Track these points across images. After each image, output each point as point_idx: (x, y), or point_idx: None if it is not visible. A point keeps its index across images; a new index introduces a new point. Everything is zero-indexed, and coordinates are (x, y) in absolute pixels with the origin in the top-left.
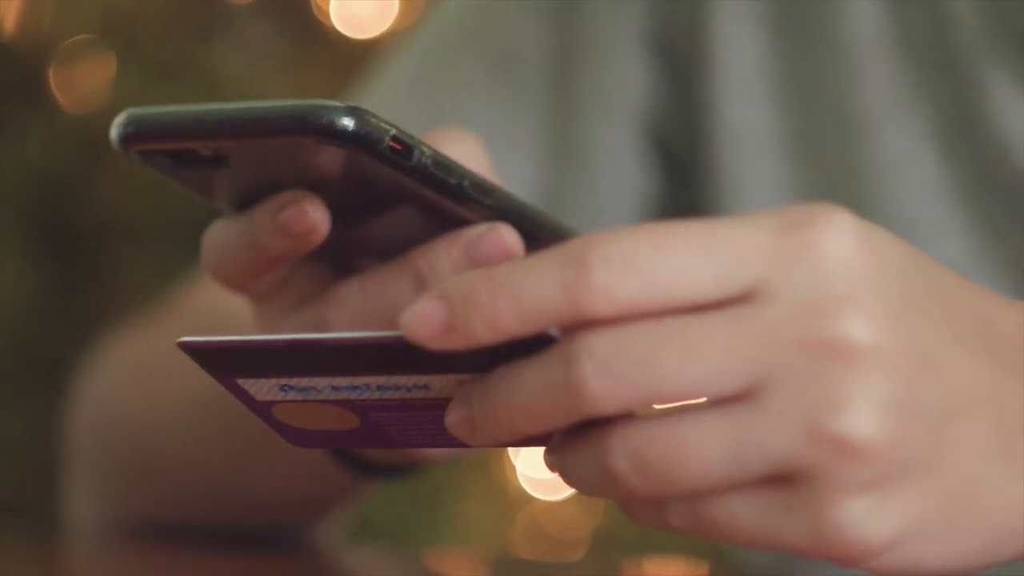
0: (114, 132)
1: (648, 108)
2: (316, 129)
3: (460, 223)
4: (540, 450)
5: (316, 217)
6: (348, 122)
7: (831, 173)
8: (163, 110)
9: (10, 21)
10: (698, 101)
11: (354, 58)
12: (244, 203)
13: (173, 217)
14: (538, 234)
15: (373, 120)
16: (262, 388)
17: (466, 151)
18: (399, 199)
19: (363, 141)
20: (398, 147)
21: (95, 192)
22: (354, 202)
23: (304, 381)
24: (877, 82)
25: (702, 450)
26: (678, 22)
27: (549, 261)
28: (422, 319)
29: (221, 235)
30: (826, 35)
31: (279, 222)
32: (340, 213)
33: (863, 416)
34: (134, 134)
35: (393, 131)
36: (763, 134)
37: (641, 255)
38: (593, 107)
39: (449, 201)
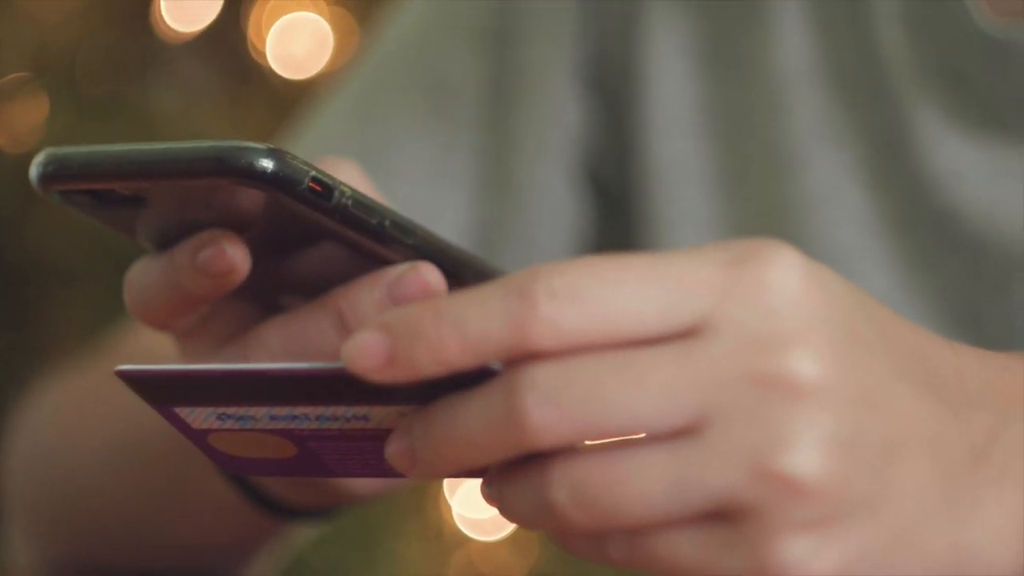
0: (33, 171)
1: (581, 142)
2: (235, 171)
3: (382, 262)
4: (476, 490)
5: (235, 257)
6: (267, 163)
7: (761, 206)
8: (82, 150)
9: None
10: (630, 135)
11: (290, 98)
12: (167, 242)
13: (107, 257)
14: (461, 273)
15: (292, 161)
16: (199, 416)
17: (347, 178)
18: (321, 238)
19: (282, 183)
20: (318, 188)
21: (28, 232)
22: (276, 241)
23: (242, 410)
24: (806, 115)
25: (644, 485)
26: (611, 55)
27: (494, 293)
28: (364, 350)
29: (143, 274)
30: (755, 67)
31: (198, 262)
32: (262, 252)
33: (807, 454)
34: (53, 174)
35: (312, 172)
36: (694, 168)
37: (587, 287)
38: (527, 141)
39: (370, 241)
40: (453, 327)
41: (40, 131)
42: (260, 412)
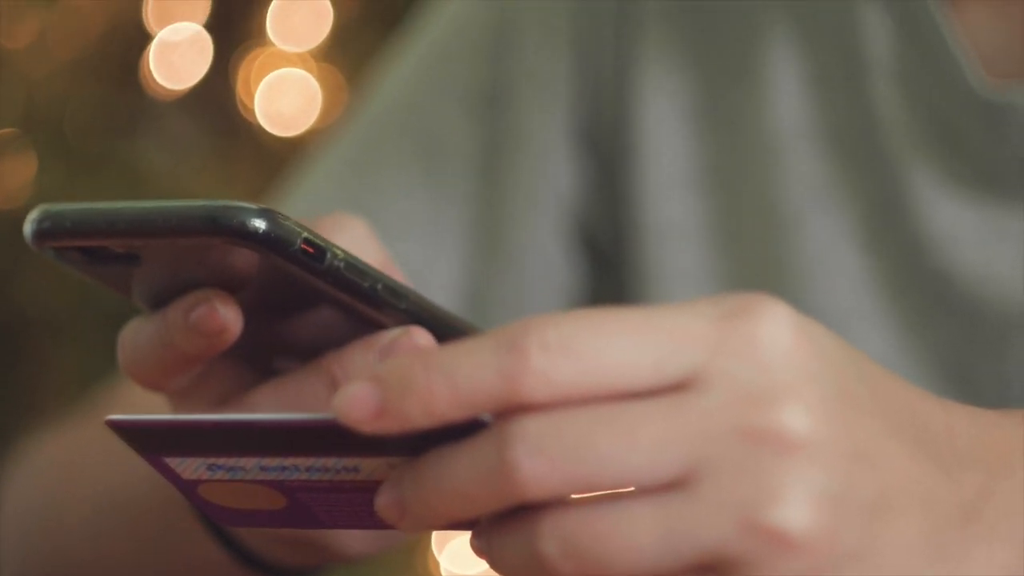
0: (27, 228)
1: (574, 201)
2: (227, 230)
3: (375, 325)
4: (465, 546)
5: (227, 317)
6: (259, 224)
7: (756, 266)
8: (76, 207)
9: None
10: (623, 194)
11: (279, 155)
12: (160, 300)
13: (97, 311)
14: (453, 337)
15: (285, 222)
16: (189, 467)
17: (355, 236)
18: (314, 299)
19: (274, 243)
20: (310, 250)
21: (18, 286)
22: (268, 301)
23: (232, 461)
24: (801, 175)
25: (634, 537)
26: (604, 115)
27: (486, 345)
28: (355, 401)
29: (136, 334)
30: (751, 127)
31: (191, 321)
32: (254, 311)
33: (797, 508)
34: (48, 230)
35: (305, 234)
36: (688, 226)
37: (579, 340)
38: (520, 200)
39: (362, 304)
40: (444, 378)
41: (30, 187)
42: (250, 463)
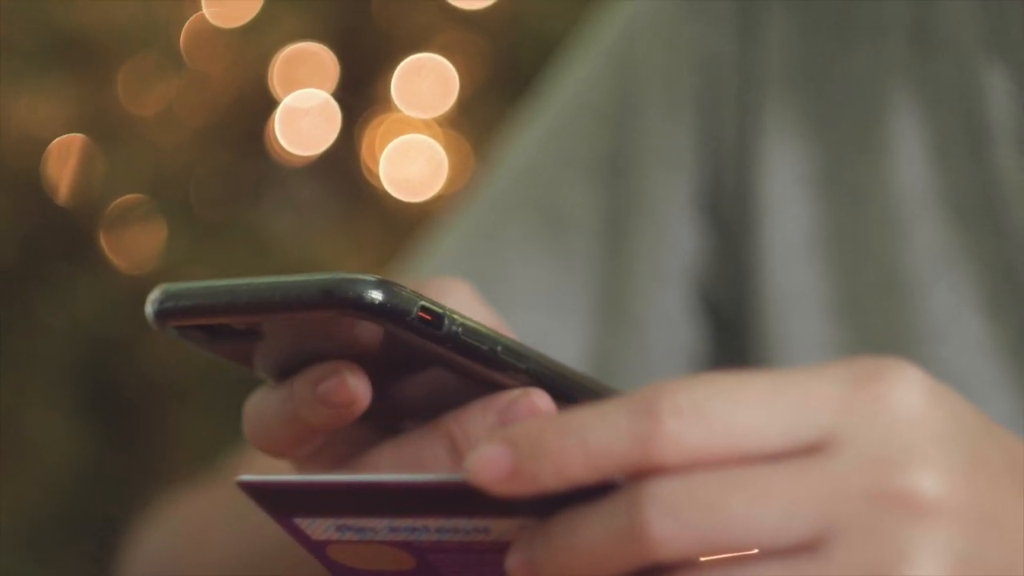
0: (149, 308)
1: (697, 268)
2: (344, 303)
3: (495, 386)
4: None
5: (357, 388)
6: (376, 295)
7: (878, 333)
8: (195, 286)
9: (64, 182)
10: (746, 261)
11: (404, 220)
12: (283, 371)
13: (222, 377)
14: (576, 396)
15: (401, 292)
16: (319, 527)
17: (459, 297)
18: (433, 364)
19: (391, 314)
20: (428, 317)
21: (144, 352)
22: (389, 368)
23: (362, 522)
24: (924, 241)
25: None
26: (726, 183)
27: (618, 408)
28: (487, 463)
29: (261, 405)
30: (872, 195)
31: (319, 394)
32: (376, 378)
33: (928, 571)
34: (169, 310)
35: (422, 302)
36: (810, 294)
37: (712, 405)
38: (644, 267)
39: (482, 366)
40: (576, 442)
41: (156, 253)
42: (380, 524)
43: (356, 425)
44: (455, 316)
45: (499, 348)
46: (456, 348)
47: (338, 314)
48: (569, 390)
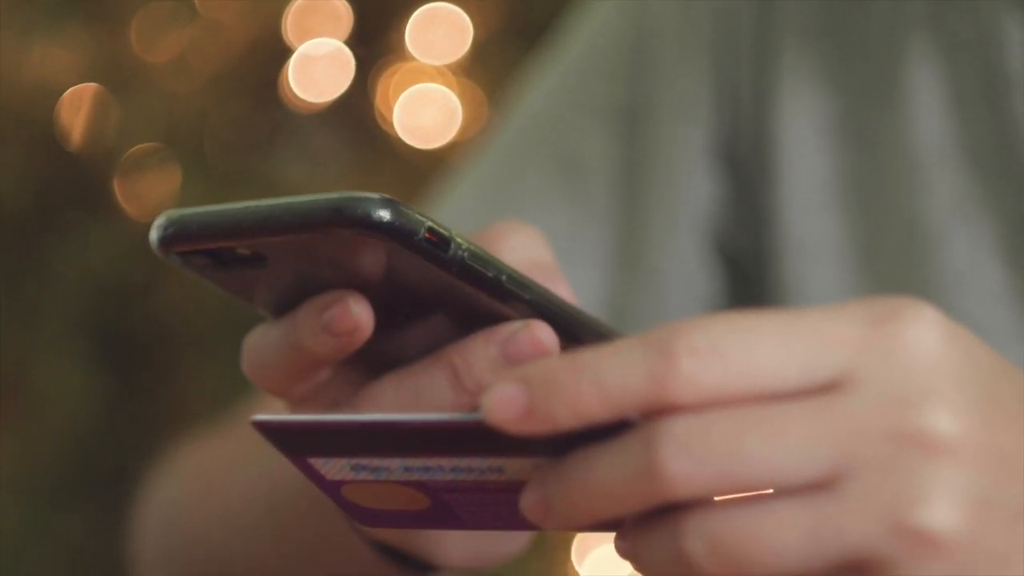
0: (153, 234)
1: (713, 217)
2: (352, 220)
3: (496, 319)
4: (606, 557)
5: (360, 315)
6: (383, 213)
7: (896, 282)
8: (200, 210)
9: (77, 130)
10: (762, 210)
11: (418, 168)
12: (283, 307)
13: (236, 323)
14: (578, 332)
15: (408, 212)
16: (334, 467)
17: (525, 240)
18: (435, 296)
19: (398, 232)
20: (434, 239)
21: (158, 299)
22: (391, 301)
23: (377, 461)
24: (943, 191)
25: (780, 537)
26: (744, 132)
27: (634, 347)
28: (503, 402)
29: (262, 339)
30: (891, 144)
31: (323, 321)
32: (378, 313)
33: (944, 510)
34: (173, 235)
35: (428, 223)
36: (828, 243)
37: (728, 344)
38: (660, 216)
39: (485, 295)
40: (592, 380)
41: (170, 201)
42: (395, 463)
43: (357, 370)
44: (461, 240)
45: (504, 277)
46: (461, 273)
47: (346, 233)
48: (572, 327)
